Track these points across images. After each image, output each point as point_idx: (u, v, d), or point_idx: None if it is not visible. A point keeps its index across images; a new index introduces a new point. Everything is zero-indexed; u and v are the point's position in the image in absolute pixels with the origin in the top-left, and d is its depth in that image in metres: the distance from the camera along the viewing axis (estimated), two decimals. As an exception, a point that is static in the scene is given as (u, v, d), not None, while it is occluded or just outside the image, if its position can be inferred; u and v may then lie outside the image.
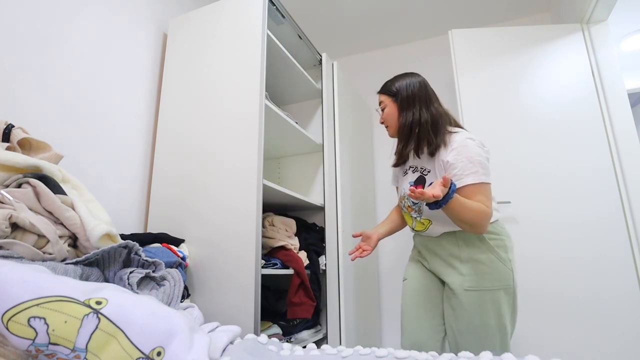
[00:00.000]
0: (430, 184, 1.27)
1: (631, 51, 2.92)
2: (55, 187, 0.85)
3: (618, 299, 1.72)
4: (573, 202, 1.87)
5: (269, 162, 2.27)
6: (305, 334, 1.72)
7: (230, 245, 1.39)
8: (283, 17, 1.83)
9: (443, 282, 1.30)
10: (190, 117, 1.62)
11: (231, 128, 1.51)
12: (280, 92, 2.16)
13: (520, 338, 1.76)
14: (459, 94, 2.12)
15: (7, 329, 0.48)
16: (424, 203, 1.21)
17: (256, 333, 1.25)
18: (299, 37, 2.00)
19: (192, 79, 1.67)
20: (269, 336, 1.48)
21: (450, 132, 1.29)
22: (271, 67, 1.82)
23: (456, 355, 0.63)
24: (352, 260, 1.32)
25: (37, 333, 0.48)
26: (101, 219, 0.88)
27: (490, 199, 1.18)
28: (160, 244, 1.36)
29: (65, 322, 0.49)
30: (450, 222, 1.22)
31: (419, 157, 1.34)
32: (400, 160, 1.40)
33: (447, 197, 1.06)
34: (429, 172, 1.31)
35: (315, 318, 1.83)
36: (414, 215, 1.35)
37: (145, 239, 1.33)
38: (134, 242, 0.79)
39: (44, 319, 0.49)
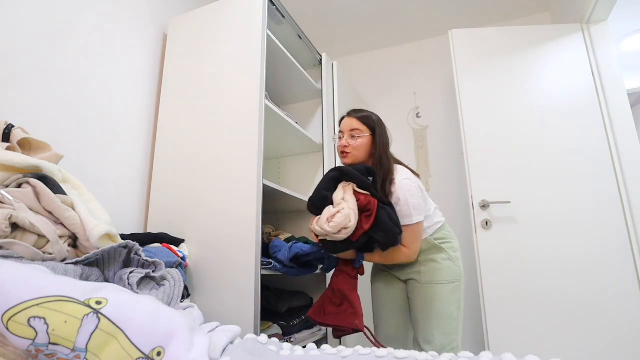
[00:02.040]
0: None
1: (631, 51, 2.92)
2: (55, 187, 0.85)
3: (618, 298, 1.72)
4: (573, 202, 1.87)
5: (268, 162, 2.27)
6: (305, 333, 1.72)
7: (230, 245, 1.39)
8: (283, 17, 1.83)
9: (404, 282, 1.46)
10: (190, 116, 1.62)
11: (231, 128, 1.51)
12: (280, 92, 2.16)
13: (520, 337, 1.76)
14: (459, 94, 2.12)
15: (7, 329, 0.48)
16: None
17: (256, 333, 1.25)
18: (299, 37, 2.00)
19: (192, 78, 1.67)
20: (269, 336, 1.48)
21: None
22: (271, 67, 1.82)
23: (456, 355, 0.63)
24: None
25: (37, 333, 0.48)
26: (101, 219, 0.88)
27: (417, 238, 1.30)
28: (160, 244, 1.36)
29: (65, 322, 0.49)
30: None
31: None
32: None
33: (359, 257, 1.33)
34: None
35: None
36: None
37: (145, 239, 1.33)
38: (134, 242, 0.79)
39: (44, 319, 0.48)
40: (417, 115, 2.77)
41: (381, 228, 1.21)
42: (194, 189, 1.52)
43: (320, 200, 1.27)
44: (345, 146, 1.39)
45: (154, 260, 0.79)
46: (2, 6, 1.19)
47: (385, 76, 2.96)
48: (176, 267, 1.24)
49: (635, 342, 1.66)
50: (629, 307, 1.70)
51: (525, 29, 2.17)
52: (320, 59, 2.14)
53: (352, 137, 1.39)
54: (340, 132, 1.45)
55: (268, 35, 1.61)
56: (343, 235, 1.18)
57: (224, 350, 0.63)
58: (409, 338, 1.45)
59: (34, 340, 0.48)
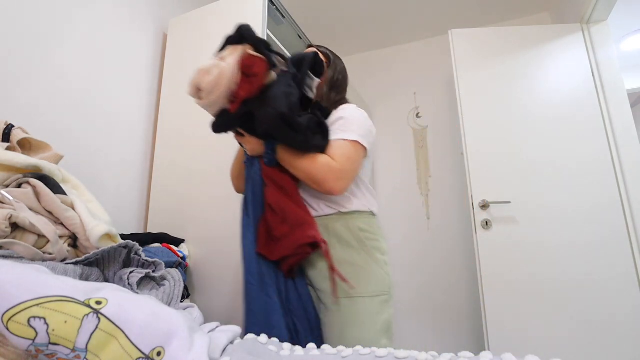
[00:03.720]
0: None
1: (631, 51, 2.93)
2: (55, 187, 0.85)
3: (619, 298, 1.71)
4: (573, 201, 1.87)
5: (269, 162, 2.27)
6: (305, 334, 1.72)
7: (231, 244, 1.39)
8: (283, 17, 1.83)
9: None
10: (190, 116, 1.62)
11: (231, 128, 1.51)
12: (280, 92, 2.16)
13: (520, 337, 1.76)
14: (459, 93, 2.12)
15: (7, 329, 0.48)
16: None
17: (256, 333, 1.25)
18: (299, 37, 2.00)
19: (192, 79, 1.67)
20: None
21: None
22: (271, 67, 1.82)
23: (456, 355, 0.63)
24: None
25: (37, 333, 0.48)
26: (101, 219, 0.88)
27: (351, 159, 1.00)
28: (160, 244, 1.36)
29: (65, 322, 0.49)
30: (315, 195, 1.08)
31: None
32: None
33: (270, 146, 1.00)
34: None
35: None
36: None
37: (145, 239, 1.33)
38: (134, 242, 0.79)
39: (44, 319, 0.48)
40: (417, 115, 2.77)
41: (269, 103, 0.91)
42: (195, 188, 1.52)
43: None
44: None
45: (154, 260, 0.79)
46: (1, 6, 1.19)
47: (385, 76, 2.96)
48: (176, 267, 1.24)
49: (636, 341, 1.66)
50: (630, 307, 1.70)
51: (525, 29, 2.17)
52: (320, 59, 2.14)
53: None
54: None
55: (268, 35, 1.61)
56: (214, 100, 0.92)
57: (223, 350, 0.63)
58: None
59: (34, 340, 0.48)
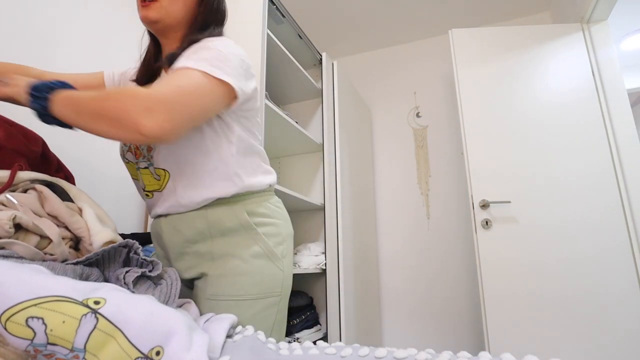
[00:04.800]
0: None
1: (631, 51, 2.93)
2: (62, 195, 0.86)
3: (619, 297, 1.72)
4: (573, 201, 1.87)
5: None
6: (304, 333, 1.72)
7: (230, 245, 1.39)
8: (283, 16, 1.83)
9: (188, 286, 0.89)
10: (190, 116, 1.62)
11: (231, 128, 1.51)
12: (280, 92, 2.16)
13: (520, 337, 1.76)
14: (459, 93, 2.12)
15: (5, 329, 0.48)
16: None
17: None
18: (299, 36, 2.00)
19: (192, 78, 1.67)
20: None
21: None
22: (271, 67, 1.82)
23: (455, 355, 0.63)
24: None
25: (35, 333, 0.48)
26: (108, 225, 0.88)
27: (188, 94, 0.66)
28: (160, 243, 1.36)
29: (64, 322, 0.49)
30: (196, 179, 0.80)
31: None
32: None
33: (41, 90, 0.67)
34: None
35: (315, 317, 1.83)
36: (144, 165, 0.85)
37: (145, 238, 1.33)
38: (134, 241, 0.79)
39: (42, 319, 0.48)
40: (417, 115, 2.77)
41: None
42: (194, 188, 1.52)
43: None
44: None
45: (152, 259, 0.80)
46: (0, 4, 1.19)
47: (385, 76, 2.96)
48: (176, 267, 1.24)
49: (637, 343, 1.66)
50: (630, 306, 1.70)
51: (526, 29, 2.17)
52: (320, 59, 2.14)
53: None
54: None
55: (268, 34, 1.61)
56: None
57: (223, 346, 0.63)
58: None
59: (32, 340, 0.48)
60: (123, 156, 0.90)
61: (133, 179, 0.92)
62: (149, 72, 0.91)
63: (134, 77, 0.93)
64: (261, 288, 0.80)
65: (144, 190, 0.88)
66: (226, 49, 0.77)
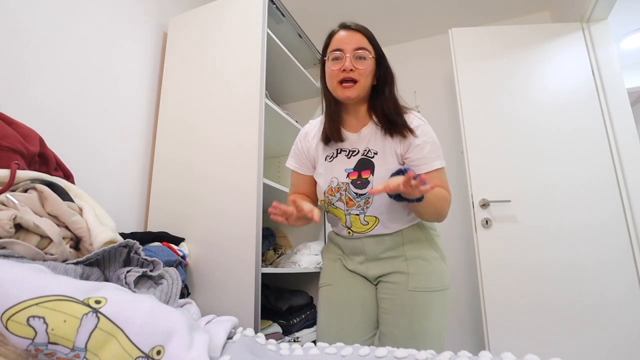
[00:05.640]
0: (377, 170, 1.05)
1: (631, 50, 2.92)
2: (63, 195, 0.86)
3: (618, 297, 1.72)
4: (573, 199, 1.87)
5: (269, 161, 2.27)
6: (304, 332, 1.72)
7: (231, 243, 1.39)
8: (283, 15, 1.83)
9: (372, 283, 1.11)
10: (190, 115, 1.62)
11: (231, 127, 1.51)
12: (280, 91, 2.16)
13: (520, 336, 1.76)
14: (459, 92, 2.12)
15: (6, 328, 0.48)
16: (372, 196, 1.03)
17: (256, 332, 1.25)
18: (299, 35, 2.00)
19: (192, 78, 1.67)
20: (269, 335, 1.48)
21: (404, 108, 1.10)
22: (271, 66, 1.82)
23: (456, 355, 0.63)
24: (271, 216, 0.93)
25: (36, 332, 0.48)
26: (108, 225, 0.88)
27: (447, 183, 1.06)
28: (160, 242, 1.36)
29: (65, 321, 0.49)
30: (400, 219, 1.06)
31: (370, 135, 1.07)
32: (337, 136, 1.08)
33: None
34: (375, 154, 1.05)
35: (315, 316, 1.83)
36: (356, 212, 1.06)
37: (145, 238, 1.33)
38: (134, 241, 0.79)
39: (43, 318, 0.49)
40: (417, 114, 2.77)
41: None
42: (195, 187, 1.52)
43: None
44: (352, 70, 0.98)
45: (152, 259, 0.80)
46: (2, 6, 1.19)
47: (385, 75, 2.95)
48: (176, 266, 1.24)
49: (638, 345, 1.66)
50: (630, 305, 1.70)
51: (526, 28, 2.17)
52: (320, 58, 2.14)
53: (360, 58, 0.99)
54: (337, 50, 1.01)
55: (268, 34, 1.61)
56: None
57: (223, 347, 0.63)
58: None
59: (33, 339, 0.48)
60: (330, 204, 1.09)
61: (329, 214, 1.14)
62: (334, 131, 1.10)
63: (321, 138, 1.12)
64: (443, 282, 1.05)
65: (348, 229, 1.10)
66: (437, 141, 1.06)
